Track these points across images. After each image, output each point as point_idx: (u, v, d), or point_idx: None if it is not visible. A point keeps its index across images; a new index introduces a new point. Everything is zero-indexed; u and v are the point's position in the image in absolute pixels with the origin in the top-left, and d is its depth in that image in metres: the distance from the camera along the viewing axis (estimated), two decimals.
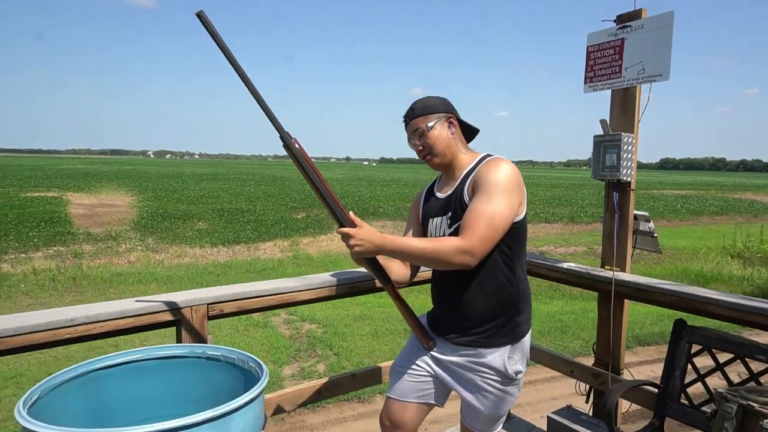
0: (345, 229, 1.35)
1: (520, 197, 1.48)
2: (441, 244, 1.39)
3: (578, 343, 6.23)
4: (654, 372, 5.43)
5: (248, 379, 1.47)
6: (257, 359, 1.42)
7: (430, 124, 1.55)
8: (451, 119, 1.58)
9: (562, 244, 15.41)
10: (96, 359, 1.40)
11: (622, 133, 2.21)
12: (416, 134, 1.56)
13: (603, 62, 2.35)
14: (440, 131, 1.55)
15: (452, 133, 1.57)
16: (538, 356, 2.64)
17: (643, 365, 5.58)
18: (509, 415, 2.80)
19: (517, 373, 1.55)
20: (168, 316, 1.60)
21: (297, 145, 1.34)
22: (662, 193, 37.13)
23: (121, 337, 1.66)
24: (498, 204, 1.39)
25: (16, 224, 15.84)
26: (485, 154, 1.57)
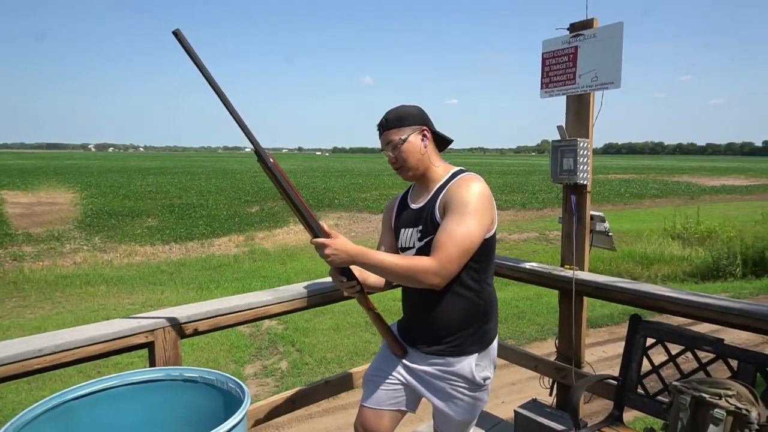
0: (320, 240, 1.37)
1: (491, 215, 1.51)
2: (415, 264, 1.43)
3: (534, 327, 6.47)
4: (605, 353, 5.71)
5: (228, 399, 1.46)
6: (237, 380, 1.42)
7: (403, 137, 1.55)
8: (425, 131, 1.58)
9: (515, 230, 15.84)
10: (68, 389, 1.37)
11: (578, 139, 2.31)
12: (389, 146, 1.58)
13: (558, 69, 2.44)
14: (414, 144, 1.56)
15: (425, 146, 1.58)
16: (503, 353, 2.74)
17: (596, 346, 5.85)
18: None
19: (485, 379, 1.61)
20: (140, 339, 1.57)
21: (271, 160, 1.34)
22: (607, 178, 38.69)
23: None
24: (469, 225, 1.43)
25: None
26: (458, 169, 1.61)
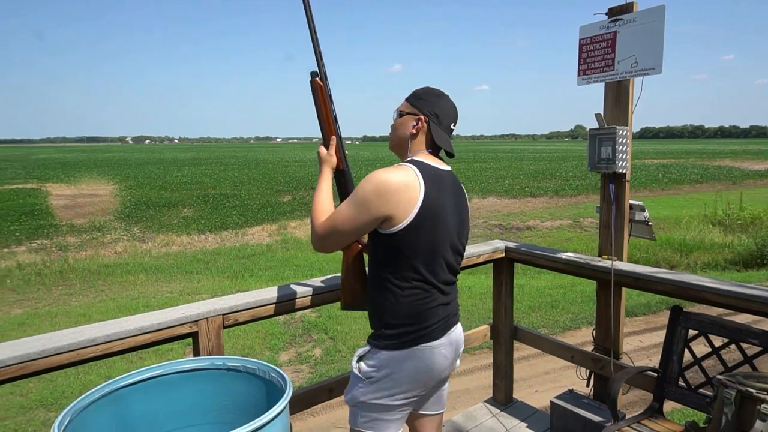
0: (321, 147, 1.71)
1: (383, 209, 1.41)
2: (317, 211, 1.55)
3: (568, 317, 6.40)
4: (642, 342, 5.61)
5: (269, 388, 1.51)
6: (279, 370, 1.46)
7: (402, 111, 1.59)
8: (421, 120, 1.55)
9: (548, 218, 15.62)
10: (120, 377, 1.43)
11: (617, 126, 2.26)
12: (394, 113, 1.63)
13: (596, 55, 2.38)
14: (404, 124, 1.57)
15: (412, 133, 1.56)
16: (537, 343, 2.72)
17: (632, 336, 5.76)
18: (512, 399, 2.90)
19: (364, 373, 1.52)
20: (185, 329, 1.63)
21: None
22: (644, 163, 37.66)
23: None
24: (341, 209, 1.48)
25: None
26: (409, 159, 1.54)
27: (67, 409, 1.27)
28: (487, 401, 2.89)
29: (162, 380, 1.51)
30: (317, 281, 1.99)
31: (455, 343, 1.57)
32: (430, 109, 1.55)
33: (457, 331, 1.60)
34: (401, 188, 1.41)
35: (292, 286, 1.91)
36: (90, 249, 12.49)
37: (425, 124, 1.55)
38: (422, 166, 1.48)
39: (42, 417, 4.29)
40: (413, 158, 1.53)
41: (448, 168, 1.59)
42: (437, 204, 1.46)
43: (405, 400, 1.53)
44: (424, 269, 1.48)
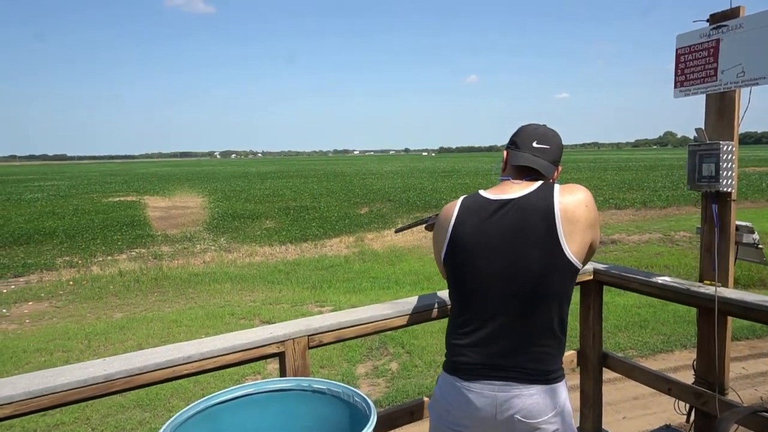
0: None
1: (438, 242, 1.58)
2: None
3: (659, 338, 5.98)
4: (745, 370, 5.12)
5: (353, 412, 1.51)
6: (363, 395, 1.46)
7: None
8: (503, 154, 1.64)
9: (634, 231, 14.75)
10: (214, 395, 1.50)
11: (721, 142, 2.09)
12: None
13: (695, 65, 2.22)
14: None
15: (502, 168, 1.64)
16: (631, 372, 2.56)
17: (733, 362, 5.27)
18: (601, 429, 2.73)
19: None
20: (272, 349, 1.68)
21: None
22: (744, 172, 34.67)
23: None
24: None
25: (102, 229, 17.03)
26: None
27: (166, 424, 1.34)
28: None
29: (251, 399, 1.56)
30: (400, 303, 1.99)
31: None
32: (510, 141, 1.62)
33: None
34: (439, 220, 1.60)
35: (376, 307, 1.92)
36: (181, 258, 13.31)
37: (506, 155, 1.61)
38: (470, 197, 1.56)
39: (138, 417, 4.60)
40: (496, 186, 1.59)
41: (520, 193, 1.48)
42: (464, 233, 1.50)
43: None
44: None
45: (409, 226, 2.08)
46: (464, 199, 1.55)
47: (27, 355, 6.27)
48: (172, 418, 1.37)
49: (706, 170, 2.13)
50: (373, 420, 1.33)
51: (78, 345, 6.60)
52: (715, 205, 2.16)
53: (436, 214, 1.66)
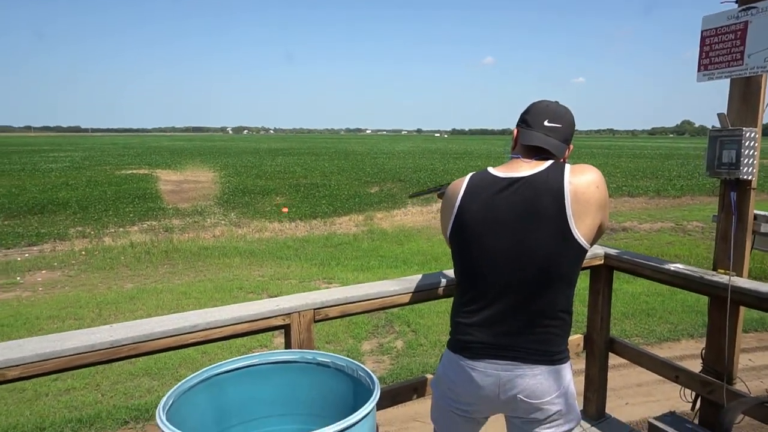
0: None
1: (445, 216, 1.56)
2: None
3: (666, 327, 5.94)
4: (752, 361, 5.09)
5: (357, 385, 1.52)
6: (366, 369, 1.46)
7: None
8: (513, 131, 1.59)
9: (646, 219, 14.60)
10: (218, 364, 1.50)
11: (744, 128, 2.03)
12: None
13: (721, 48, 2.15)
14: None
15: (512, 146, 1.60)
16: (638, 358, 2.54)
17: (741, 353, 5.24)
18: (604, 414, 2.73)
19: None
20: (278, 321, 1.68)
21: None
22: (763, 163, 34.06)
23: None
24: None
25: (114, 201, 17.19)
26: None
27: (171, 391, 1.35)
28: None
29: (256, 369, 1.57)
30: (407, 280, 1.98)
31: None
32: (520, 118, 1.57)
33: None
34: (446, 196, 1.57)
35: (383, 283, 1.91)
36: (192, 232, 13.41)
37: (516, 132, 1.56)
38: (479, 174, 1.52)
39: (147, 384, 4.67)
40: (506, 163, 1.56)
41: (529, 172, 1.44)
42: (471, 209, 1.48)
43: None
44: None
45: (423, 193, 2.12)
46: (473, 175, 1.51)
47: (40, 322, 6.37)
48: (176, 385, 1.38)
49: (726, 157, 2.07)
50: (376, 394, 1.33)
51: (89, 313, 6.70)
52: (734, 192, 2.11)
53: (449, 183, 1.63)
